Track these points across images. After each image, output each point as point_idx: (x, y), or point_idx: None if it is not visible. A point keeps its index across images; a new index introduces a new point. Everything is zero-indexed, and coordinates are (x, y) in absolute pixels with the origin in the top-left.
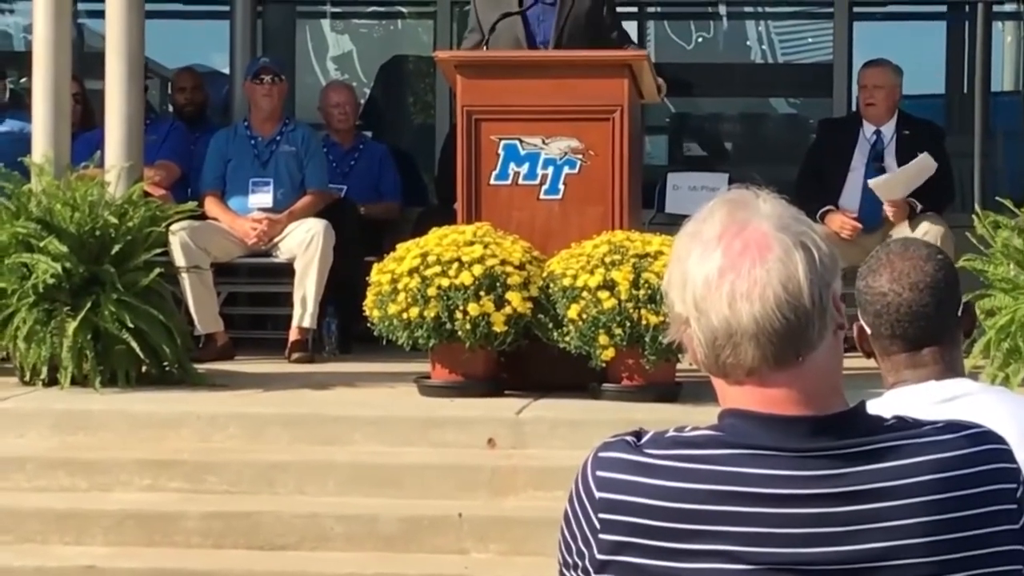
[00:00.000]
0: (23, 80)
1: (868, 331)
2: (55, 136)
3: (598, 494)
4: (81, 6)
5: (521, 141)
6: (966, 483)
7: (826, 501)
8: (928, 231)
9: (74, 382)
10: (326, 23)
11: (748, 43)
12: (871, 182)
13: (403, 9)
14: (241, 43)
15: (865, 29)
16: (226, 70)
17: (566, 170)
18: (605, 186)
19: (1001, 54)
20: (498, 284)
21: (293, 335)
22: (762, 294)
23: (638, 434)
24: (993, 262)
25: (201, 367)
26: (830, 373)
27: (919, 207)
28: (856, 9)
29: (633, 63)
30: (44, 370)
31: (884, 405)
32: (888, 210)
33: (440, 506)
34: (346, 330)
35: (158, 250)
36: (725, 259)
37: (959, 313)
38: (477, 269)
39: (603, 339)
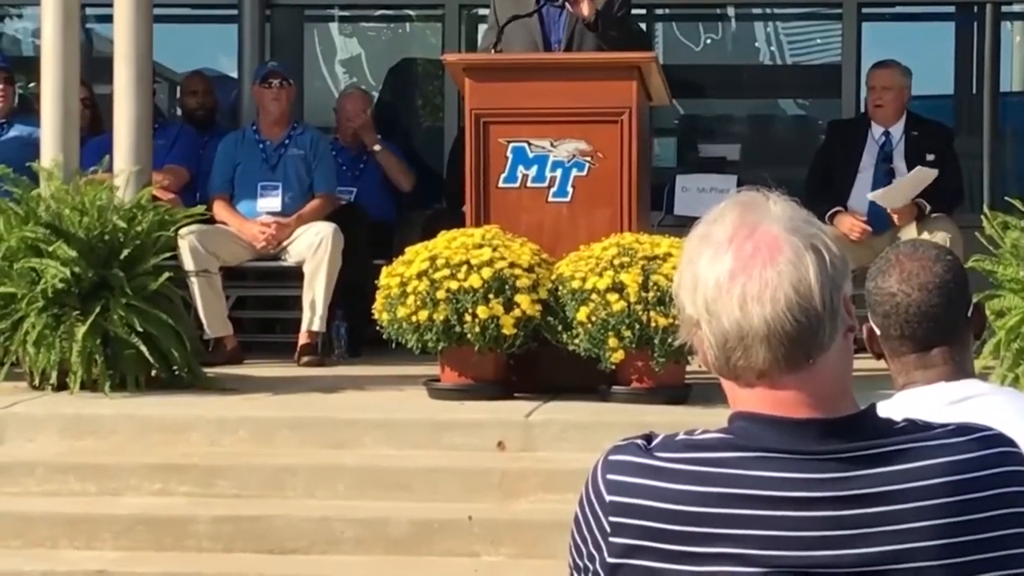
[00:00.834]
0: (32, 85)
1: (878, 332)
2: (64, 141)
3: (608, 497)
4: (89, 11)
5: (529, 144)
6: (977, 486)
7: (837, 504)
8: (937, 232)
9: (83, 386)
10: (334, 26)
11: (756, 44)
12: (870, 196)
13: (411, 12)
14: (249, 47)
15: (874, 30)
16: (234, 74)
17: (575, 172)
18: (614, 188)
19: (1010, 54)
20: (507, 287)
21: (302, 339)
22: (773, 296)
23: (648, 437)
24: (1002, 262)
25: (210, 371)
26: (840, 376)
27: (928, 208)
28: (865, 10)
29: (642, 65)
30: (54, 375)
31: (895, 406)
32: (893, 216)
33: (450, 509)
34: (355, 333)
35: (167, 254)
36: (736, 261)
37: (969, 314)
38: (486, 272)
39: (612, 341)
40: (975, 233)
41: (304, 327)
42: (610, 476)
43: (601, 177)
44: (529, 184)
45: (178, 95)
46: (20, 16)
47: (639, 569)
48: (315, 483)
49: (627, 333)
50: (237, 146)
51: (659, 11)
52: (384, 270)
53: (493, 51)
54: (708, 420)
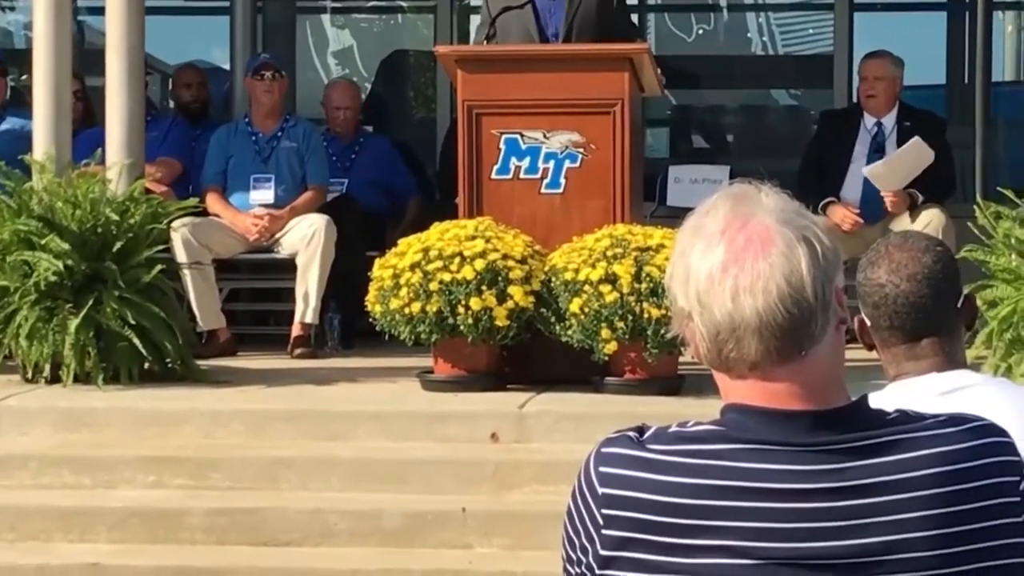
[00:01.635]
0: (24, 78)
1: (868, 323)
2: (56, 134)
3: (601, 490)
4: (81, 3)
5: (522, 135)
6: (969, 477)
7: (829, 495)
8: (929, 222)
9: (77, 379)
10: (326, 18)
11: (749, 35)
12: (866, 170)
13: (403, 3)
14: (241, 39)
15: (866, 20)
16: (226, 66)
17: (567, 164)
18: (606, 179)
19: (1002, 44)
20: (500, 278)
21: (295, 331)
22: (765, 288)
23: (641, 429)
24: (995, 252)
25: (204, 363)
26: (832, 367)
27: (920, 198)
28: (856, 0)
29: (634, 56)
30: (47, 368)
31: (886, 397)
32: (887, 200)
33: (443, 501)
34: (348, 325)
35: (160, 247)
36: (728, 253)
37: (959, 305)
38: (479, 263)
39: (605, 333)
40: (967, 223)
41: (297, 319)
42: (602, 468)
43: (594, 168)
44: (522, 176)
45: (171, 87)
46: (12, 8)
47: (632, 561)
48: (309, 475)
49: (620, 324)
50: (230, 138)
51: (651, 2)
52: (377, 262)
53: (485, 43)
54: (701, 411)
